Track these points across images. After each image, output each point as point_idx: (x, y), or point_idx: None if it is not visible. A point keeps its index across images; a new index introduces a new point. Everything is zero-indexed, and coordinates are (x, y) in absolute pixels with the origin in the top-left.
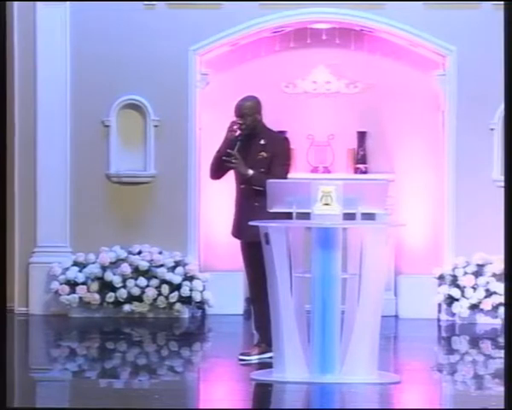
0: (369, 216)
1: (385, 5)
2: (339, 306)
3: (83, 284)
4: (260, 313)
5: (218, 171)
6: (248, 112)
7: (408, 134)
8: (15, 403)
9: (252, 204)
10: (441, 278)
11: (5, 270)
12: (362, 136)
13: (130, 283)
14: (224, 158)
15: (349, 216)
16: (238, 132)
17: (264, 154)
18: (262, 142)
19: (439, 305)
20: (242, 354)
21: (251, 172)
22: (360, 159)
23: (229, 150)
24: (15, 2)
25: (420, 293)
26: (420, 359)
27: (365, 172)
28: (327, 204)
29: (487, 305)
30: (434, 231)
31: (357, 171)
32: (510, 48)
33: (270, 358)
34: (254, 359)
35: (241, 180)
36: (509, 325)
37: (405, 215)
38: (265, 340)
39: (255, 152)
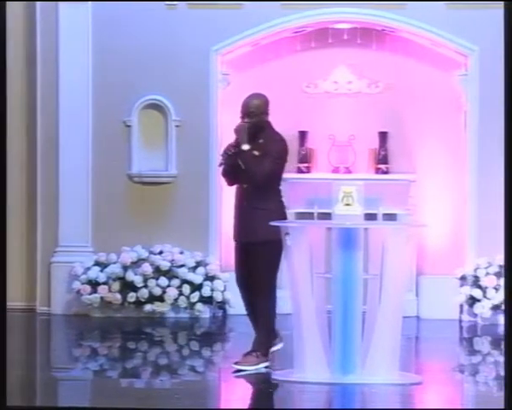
0: (390, 216)
1: (406, 5)
2: (360, 306)
3: (104, 283)
4: (253, 319)
5: (230, 177)
6: (255, 111)
7: (429, 134)
8: (37, 402)
9: (243, 204)
10: (463, 278)
11: (5, 269)
12: (383, 136)
13: (152, 283)
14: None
15: (370, 216)
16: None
17: (255, 152)
18: (261, 141)
19: (461, 306)
20: (236, 364)
21: (246, 146)
22: (381, 159)
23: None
24: (38, 3)
25: (441, 294)
26: (441, 359)
27: (386, 173)
28: (348, 204)
29: None
30: (456, 231)
31: (378, 171)
32: (510, 48)
33: (266, 367)
34: (252, 369)
35: (236, 175)
36: (509, 324)
37: (427, 216)
38: (259, 347)
39: (251, 149)
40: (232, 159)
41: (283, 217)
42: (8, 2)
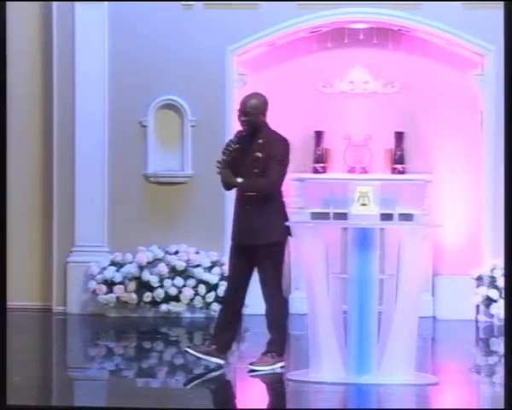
0: (406, 217)
1: (422, 5)
2: (376, 306)
3: (120, 283)
4: (231, 319)
5: (224, 185)
6: (252, 111)
7: (446, 134)
8: (53, 401)
9: (244, 208)
10: (479, 279)
11: (5, 269)
12: (399, 136)
13: (167, 282)
14: (222, 152)
15: (386, 217)
16: (232, 148)
17: (259, 154)
18: (260, 141)
19: (477, 306)
20: (189, 347)
21: (239, 180)
22: (397, 159)
23: (218, 159)
24: (54, 3)
25: (458, 294)
26: (457, 360)
27: (403, 173)
28: (364, 204)
29: None
30: (472, 231)
31: (394, 171)
32: (510, 48)
33: (218, 365)
34: (198, 356)
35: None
36: (509, 324)
37: (443, 216)
38: (218, 344)
39: (252, 151)
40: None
41: (286, 218)
42: (24, 4)
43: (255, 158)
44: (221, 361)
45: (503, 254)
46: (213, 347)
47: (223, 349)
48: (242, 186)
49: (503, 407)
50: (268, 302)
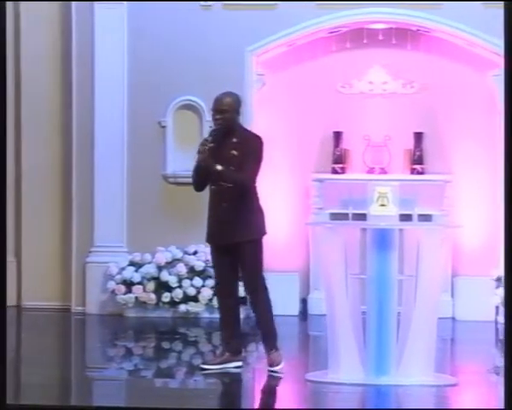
0: (425, 217)
1: (442, 5)
2: (395, 307)
3: (139, 283)
4: (231, 320)
5: (198, 181)
6: (227, 108)
7: (465, 135)
8: (72, 401)
9: (220, 206)
10: (499, 279)
11: (5, 269)
12: (418, 136)
13: (186, 283)
14: (197, 151)
15: (405, 217)
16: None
17: (234, 152)
18: (235, 140)
19: (497, 307)
20: (204, 363)
21: (219, 167)
22: (417, 160)
23: (200, 148)
24: (73, 3)
25: (477, 295)
26: (477, 361)
27: (422, 173)
28: (383, 205)
29: None
30: (492, 232)
31: (413, 172)
32: (510, 47)
33: (238, 367)
34: (216, 368)
35: (212, 180)
36: (509, 324)
37: (463, 216)
38: (230, 349)
39: (227, 150)
40: (204, 170)
41: (262, 214)
42: (43, 4)
43: (231, 156)
44: (239, 363)
45: (504, 254)
46: (227, 354)
47: (236, 351)
48: (222, 174)
49: None
50: (251, 298)
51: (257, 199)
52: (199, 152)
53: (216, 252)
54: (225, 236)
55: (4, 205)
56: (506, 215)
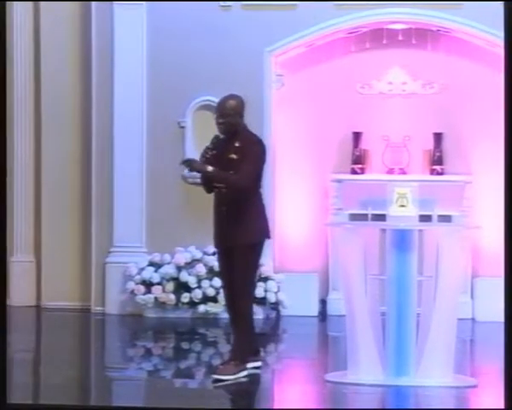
0: (445, 218)
1: (463, 5)
2: (414, 308)
3: (158, 284)
4: (237, 325)
5: (203, 184)
6: (230, 112)
7: (485, 135)
8: (92, 401)
9: (220, 209)
10: None
11: (5, 269)
12: (438, 137)
13: (205, 283)
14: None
15: (425, 218)
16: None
17: (234, 156)
18: (237, 144)
19: None
20: (216, 374)
21: (210, 168)
22: (436, 160)
23: (183, 160)
24: (93, 3)
25: (497, 296)
26: (496, 362)
27: (441, 174)
28: (402, 206)
29: None
30: None
31: (433, 172)
32: (510, 47)
33: (256, 368)
34: (232, 379)
35: (209, 184)
36: (509, 324)
37: (482, 217)
38: (238, 356)
39: (228, 154)
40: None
41: (263, 220)
42: (63, 4)
43: (230, 160)
44: (257, 364)
45: (504, 254)
46: (237, 362)
47: (252, 352)
48: (212, 175)
49: None
50: (237, 305)
51: (258, 203)
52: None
53: (220, 255)
54: (223, 239)
55: (4, 205)
56: (506, 215)
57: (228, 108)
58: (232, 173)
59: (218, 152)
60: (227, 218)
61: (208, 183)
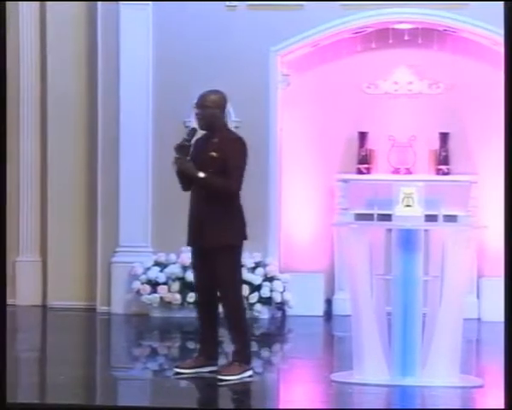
0: (451, 218)
1: (468, 5)
2: (420, 308)
3: (164, 283)
4: (208, 324)
5: (182, 183)
6: (209, 104)
7: (491, 135)
8: (97, 401)
9: (199, 207)
10: None
11: (5, 269)
12: (444, 137)
13: None
14: (174, 158)
15: (431, 218)
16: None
17: (214, 154)
18: (215, 141)
19: None
20: (177, 367)
21: (202, 174)
22: (442, 160)
23: (176, 155)
24: (99, 3)
25: (503, 296)
26: (502, 362)
27: (447, 174)
28: (408, 206)
29: None
30: None
31: (439, 172)
32: (510, 47)
33: (211, 372)
34: (190, 372)
35: (193, 183)
36: (509, 324)
37: (488, 217)
38: (204, 353)
39: (207, 151)
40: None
41: (242, 221)
42: (69, 4)
43: (210, 157)
44: (213, 368)
45: (503, 255)
46: (200, 358)
47: (210, 356)
48: (204, 181)
49: None
50: (223, 305)
51: (238, 205)
52: (177, 150)
53: (193, 253)
54: (201, 238)
55: (4, 205)
56: (506, 215)
57: (207, 100)
58: (212, 172)
59: (196, 148)
60: (205, 215)
61: (186, 181)
